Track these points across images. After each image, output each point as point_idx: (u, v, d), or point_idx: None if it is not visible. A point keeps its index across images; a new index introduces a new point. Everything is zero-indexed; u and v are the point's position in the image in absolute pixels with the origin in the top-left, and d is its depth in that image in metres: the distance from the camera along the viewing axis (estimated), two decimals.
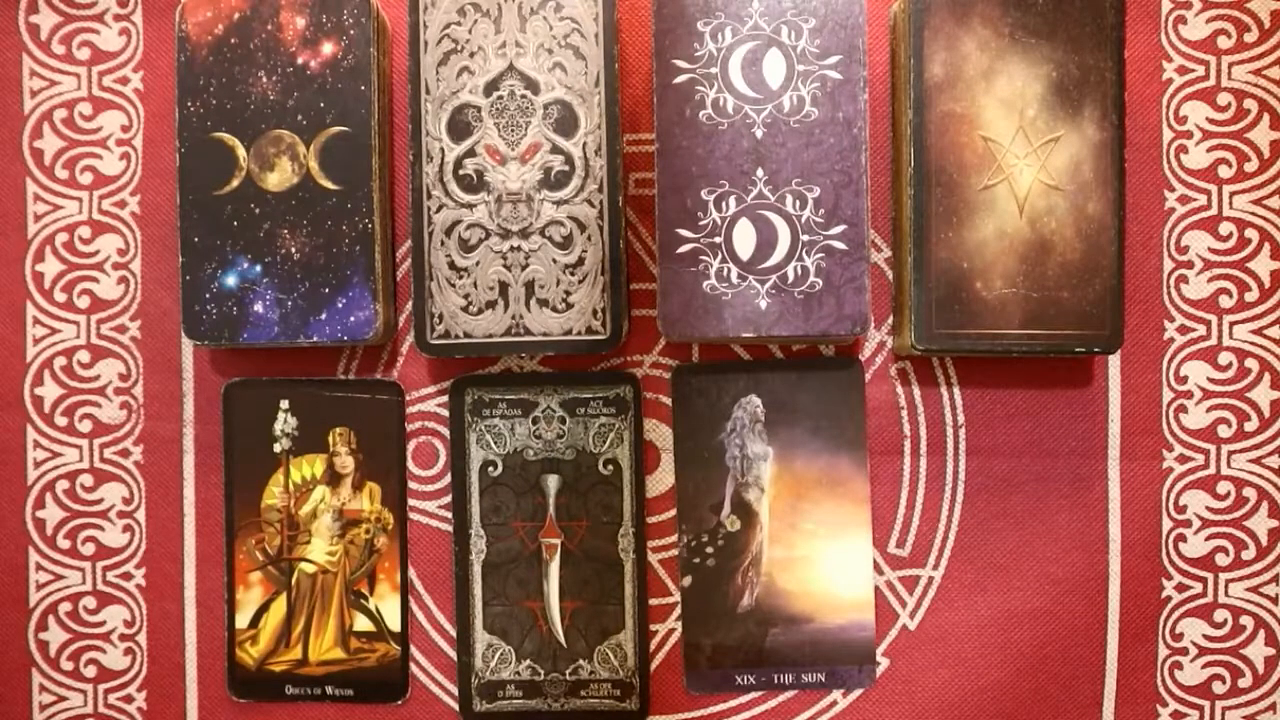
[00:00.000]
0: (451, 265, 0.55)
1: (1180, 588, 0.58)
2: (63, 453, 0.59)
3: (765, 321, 0.54)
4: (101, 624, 0.59)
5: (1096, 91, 0.54)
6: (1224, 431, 0.58)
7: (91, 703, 0.60)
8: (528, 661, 0.58)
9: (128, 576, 0.59)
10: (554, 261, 0.55)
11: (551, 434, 0.58)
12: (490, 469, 0.58)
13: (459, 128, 0.55)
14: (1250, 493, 0.58)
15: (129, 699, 0.60)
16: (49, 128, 0.59)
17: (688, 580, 0.58)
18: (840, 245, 0.54)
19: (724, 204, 0.54)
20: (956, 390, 0.58)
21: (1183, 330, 0.58)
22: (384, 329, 0.56)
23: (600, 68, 0.55)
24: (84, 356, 0.59)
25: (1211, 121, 0.58)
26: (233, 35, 0.56)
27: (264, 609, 0.59)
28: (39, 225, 0.59)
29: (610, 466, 0.58)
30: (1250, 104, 0.57)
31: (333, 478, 0.58)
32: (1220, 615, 0.58)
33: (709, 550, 0.58)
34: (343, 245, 0.56)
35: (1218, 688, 0.58)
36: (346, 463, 0.58)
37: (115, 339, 0.59)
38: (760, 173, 0.54)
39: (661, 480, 0.58)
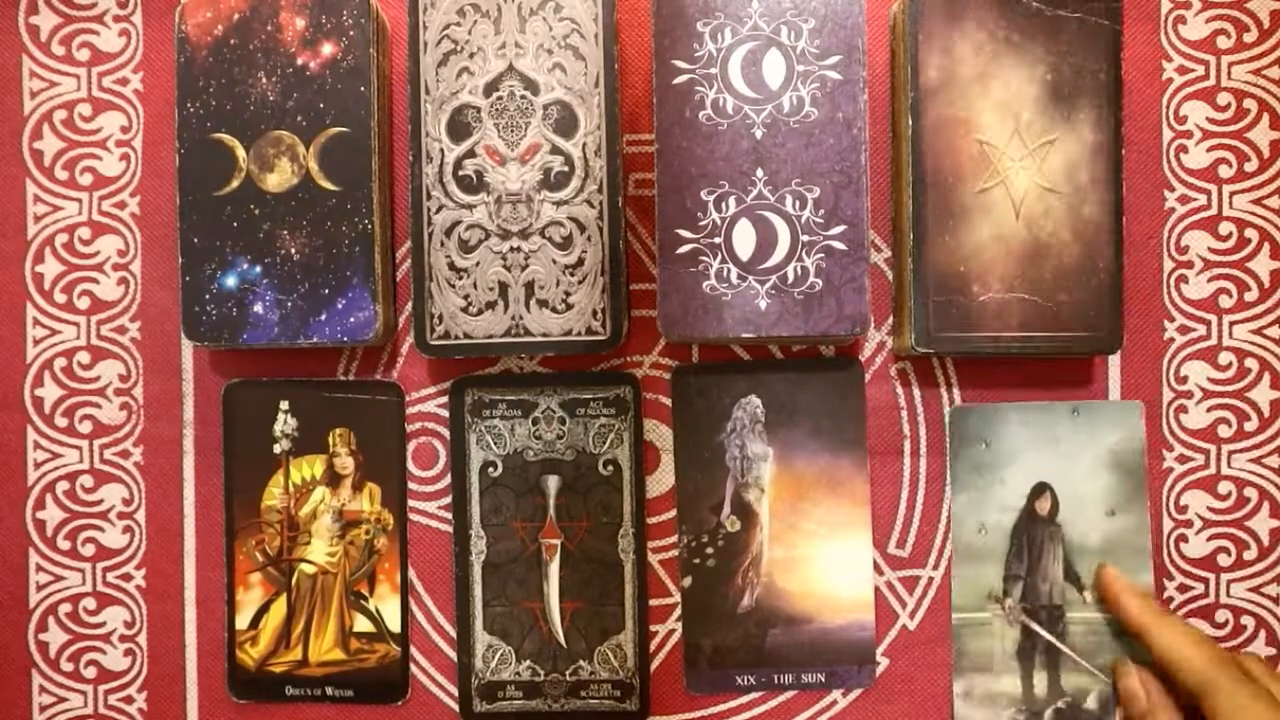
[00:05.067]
0: (451, 266, 0.55)
1: (1181, 588, 0.58)
2: (63, 454, 0.59)
3: (765, 322, 0.54)
4: (101, 625, 0.60)
5: (1092, 94, 0.54)
6: (1224, 431, 0.58)
7: (91, 703, 0.60)
8: (528, 662, 0.58)
9: (128, 578, 0.59)
10: (554, 262, 0.55)
11: (551, 434, 0.58)
12: (490, 469, 0.58)
13: (459, 128, 0.55)
14: (1251, 493, 0.58)
15: (129, 700, 0.60)
16: (49, 129, 0.59)
17: (688, 580, 0.58)
18: (840, 246, 0.54)
19: (724, 204, 0.54)
20: (956, 391, 0.58)
21: (1183, 330, 0.58)
22: (384, 330, 0.56)
23: (600, 68, 0.55)
24: (84, 357, 0.59)
25: (1211, 121, 0.58)
26: (232, 36, 0.56)
27: (264, 610, 0.59)
28: (39, 226, 0.59)
29: (610, 467, 0.58)
30: (1250, 104, 0.57)
31: (333, 478, 0.58)
32: (1222, 616, 0.58)
33: (709, 550, 0.58)
34: (342, 246, 0.56)
35: None
36: (346, 463, 0.58)
37: (115, 340, 0.59)
38: (760, 173, 0.54)
39: (661, 480, 0.58)
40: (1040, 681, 0.57)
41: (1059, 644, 0.57)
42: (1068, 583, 0.57)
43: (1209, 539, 0.58)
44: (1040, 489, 0.57)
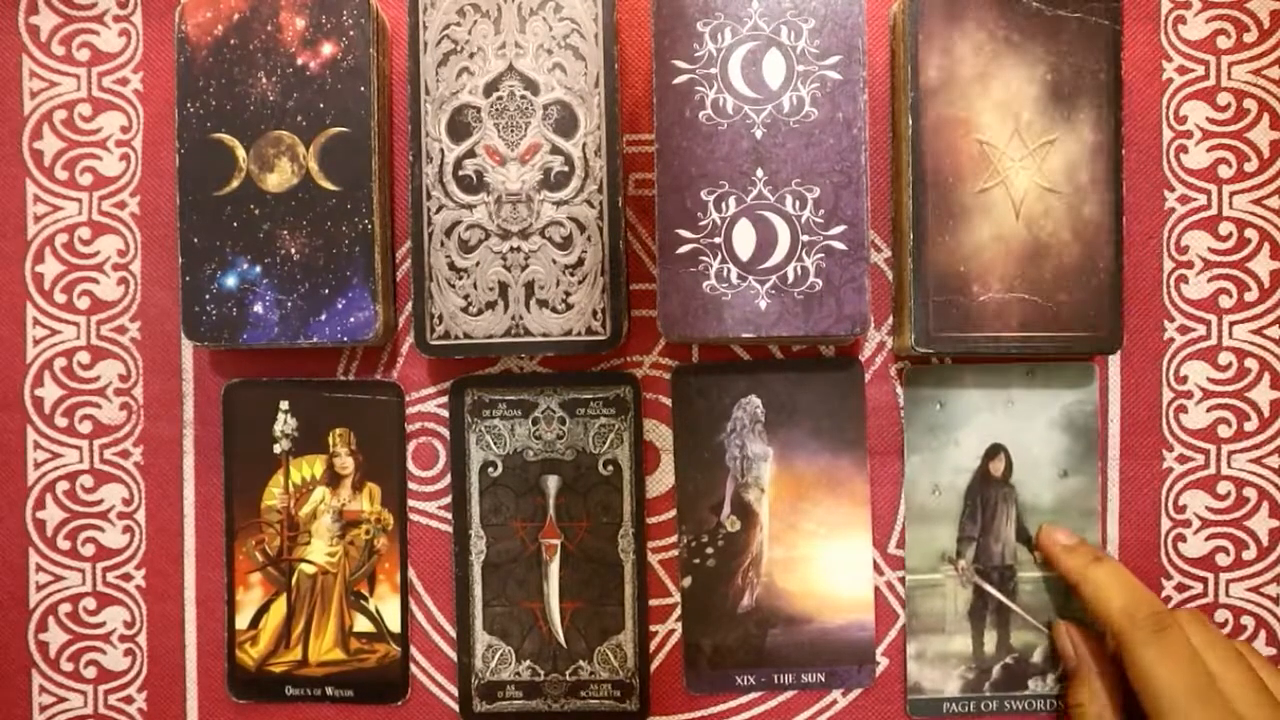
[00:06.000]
0: (451, 266, 0.55)
1: (1180, 588, 0.58)
2: (63, 454, 0.59)
3: (765, 322, 0.54)
4: (101, 625, 0.60)
5: (1092, 94, 0.54)
6: (1224, 431, 0.58)
7: (91, 704, 0.60)
8: (528, 662, 0.58)
9: (128, 578, 0.59)
10: (554, 262, 0.55)
11: (551, 434, 0.58)
12: (490, 469, 0.58)
13: (459, 128, 0.55)
14: (1250, 493, 0.58)
15: (129, 700, 0.60)
16: (49, 129, 0.59)
17: (688, 581, 0.58)
18: (840, 245, 0.54)
19: (724, 204, 0.54)
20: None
21: (1183, 330, 0.58)
22: (384, 330, 0.57)
23: (600, 68, 0.55)
24: (84, 357, 0.59)
25: (1211, 121, 0.58)
26: (232, 36, 0.56)
27: (264, 610, 0.59)
28: (39, 226, 0.59)
29: (610, 467, 0.58)
30: (1250, 104, 0.57)
31: (333, 478, 0.58)
32: (1221, 615, 0.58)
33: (709, 550, 0.58)
34: (342, 246, 0.56)
35: None
36: (346, 463, 0.58)
37: (115, 340, 0.59)
38: (760, 173, 0.54)
39: (661, 480, 0.58)
40: (990, 640, 0.57)
41: (1011, 604, 0.57)
42: (1020, 543, 0.57)
43: (1207, 539, 0.58)
44: (994, 450, 0.57)
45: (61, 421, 0.59)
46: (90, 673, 0.60)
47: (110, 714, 0.60)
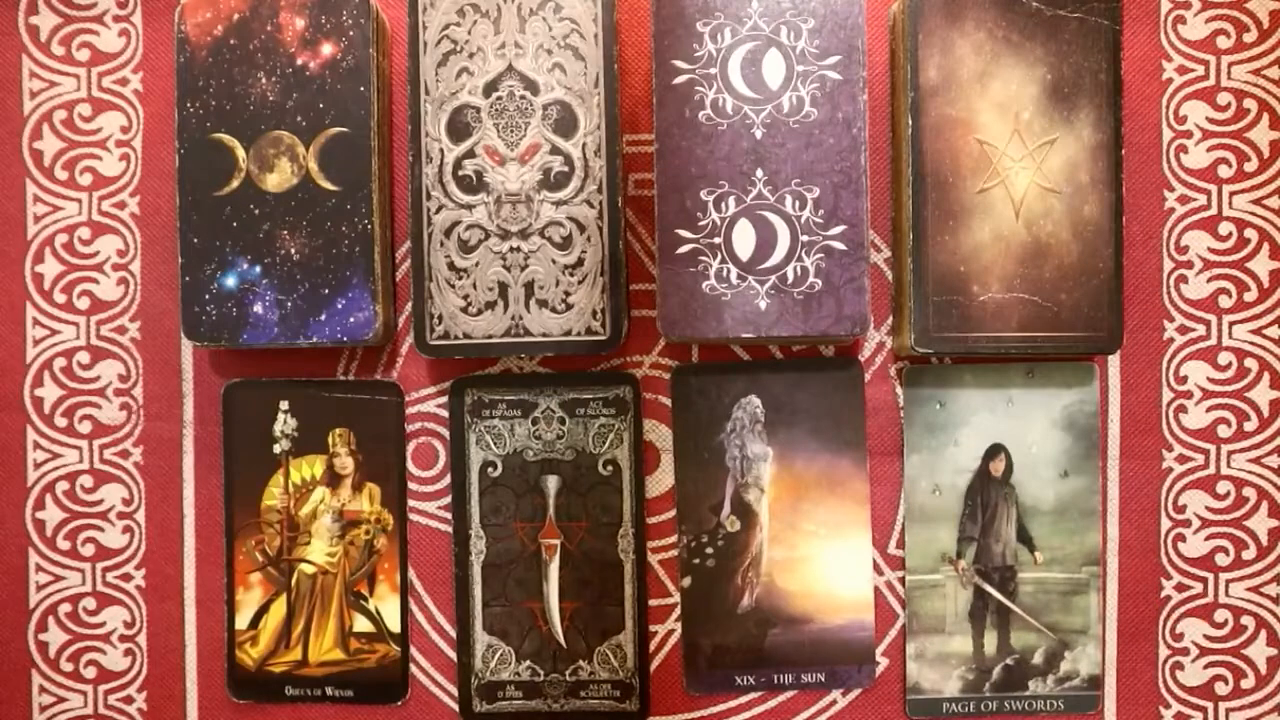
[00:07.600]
0: (451, 266, 0.55)
1: (1180, 587, 0.58)
2: (63, 454, 0.59)
3: (765, 322, 0.54)
4: (101, 625, 0.60)
5: (1092, 94, 0.54)
6: (1224, 431, 0.58)
7: (91, 703, 0.60)
8: (527, 662, 0.58)
9: (127, 578, 0.59)
10: (553, 262, 0.55)
11: (551, 434, 0.58)
12: (490, 470, 0.58)
13: (458, 128, 0.55)
14: (1250, 492, 0.58)
15: (129, 700, 0.60)
16: (49, 129, 0.59)
17: (688, 581, 0.58)
18: (840, 246, 0.54)
19: (723, 204, 0.54)
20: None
21: (1182, 330, 0.58)
22: (383, 330, 0.56)
23: (600, 68, 0.55)
24: (84, 357, 0.59)
25: (1211, 121, 0.58)
26: (232, 36, 0.56)
27: (264, 610, 0.59)
28: (39, 226, 0.59)
29: (610, 467, 0.58)
30: (1250, 104, 0.57)
31: (332, 478, 0.58)
32: (1221, 615, 0.58)
33: (709, 551, 0.58)
34: (342, 246, 0.56)
35: (1220, 688, 0.58)
36: (346, 463, 0.58)
37: (115, 340, 0.59)
38: (760, 173, 0.54)
39: (661, 480, 0.58)
40: (990, 641, 0.57)
41: (1011, 605, 0.57)
42: (1020, 544, 0.57)
43: (1207, 538, 0.58)
44: (994, 450, 0.57)
45: (61, 422, 0.59)
46: (90, 673, 0.60)
47: (110, 714, 0.60)
